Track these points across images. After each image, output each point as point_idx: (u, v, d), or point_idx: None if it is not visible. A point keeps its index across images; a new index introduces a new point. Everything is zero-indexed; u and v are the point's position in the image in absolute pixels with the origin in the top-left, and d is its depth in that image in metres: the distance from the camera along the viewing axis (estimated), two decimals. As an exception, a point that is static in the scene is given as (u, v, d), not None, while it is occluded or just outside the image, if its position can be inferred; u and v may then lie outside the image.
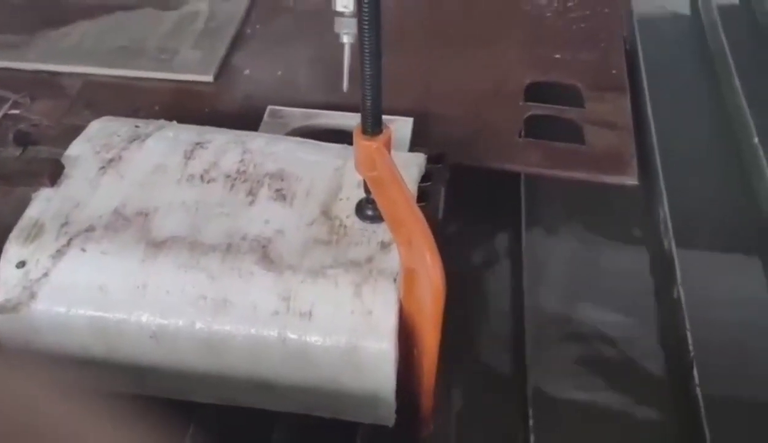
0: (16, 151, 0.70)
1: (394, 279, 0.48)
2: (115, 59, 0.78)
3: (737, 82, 0.79)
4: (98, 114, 0.63)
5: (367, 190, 0.50)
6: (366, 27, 0.40)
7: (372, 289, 0.47)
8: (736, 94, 0.78)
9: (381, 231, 0.50)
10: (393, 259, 0.48)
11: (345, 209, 0.52)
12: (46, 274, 0.48)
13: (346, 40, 0.54)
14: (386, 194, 0.46)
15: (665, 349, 0.58)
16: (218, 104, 0.75)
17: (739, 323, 0.59)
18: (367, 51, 0.41)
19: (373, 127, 0.45)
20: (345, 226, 0.51)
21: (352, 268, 0.48)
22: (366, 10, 0.39)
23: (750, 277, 0.63)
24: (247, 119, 0.70)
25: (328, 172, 0.54)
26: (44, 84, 0.77)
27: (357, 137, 0.46)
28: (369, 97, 0.43)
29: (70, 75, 0.78)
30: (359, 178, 0.53)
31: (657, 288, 0.62)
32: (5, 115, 0.74)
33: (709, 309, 0.59)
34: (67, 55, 0.79)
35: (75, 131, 0.71)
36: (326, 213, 0.52)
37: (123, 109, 0.70)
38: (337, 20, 0.53)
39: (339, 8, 0.52)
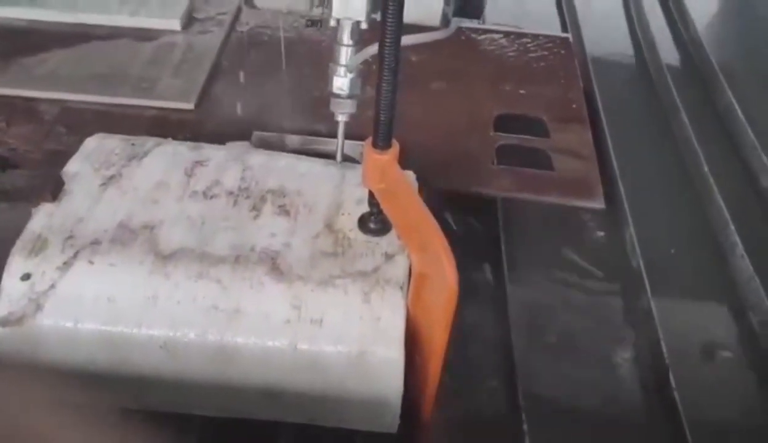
0: (-5, 175, 0.69)
1: (401, 288, 0.50)
2: (93, 86, 0.79)
3: (685, 118, 0.85)
4: (79, 140, 0.63)
5: (370, 204, 0.52)
6: (387, 41, 0.42)
7: (380, 297, 0.49)
8: (684, 128, 0.85)
9: (384, 244, 0.52)
10: (398, 269, 0.51)
11: (347, 223, 0.54)
12: (53, 286, 0.48)
13: (341, 118, 0.57)
14: (396, 204, 0.48)
15: (640, 355, 0.62)
16: (200, 131, 0.76)
17: (705, 326, 0.65)
18: (385, 65, 0.44)
19: (385, 141, 0.47)
20: (349, 239, 0.53)
21: (359, 278, 0.50)
22: (389, 24, 0.42)
23: (705, 283, 0.69)
24: (230, 145, 0.71)
25: (329, 189, 0.56)
26: (20, 109, 0.77)
27: (368, 152, 0.48)
28: (383, 112, 0.46)
29: (47, 101, 0.78)
30: (358, 194, 0.56)
31: (629, 300, 0.66)
32: (-20, 140, 0.73)
33: (677, 317, 0.64)
34: (44, 81, 0.79)
35: (56, 156, 0.71)
36: (330, 227, 0.53)
37: (105, 135, 0.70)
38: (333, 101, 0.56)
39: (335, 90, 0.56)
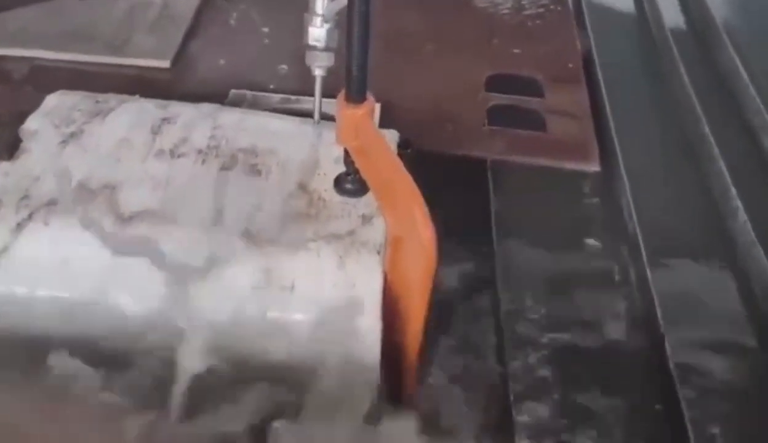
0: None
1: (378, 252, 0.47)
2: (64, 43, 0.75)
3: (685, 79, 0.82)
4: (49, 99, 0.60)
5: (346, 163, 0.49)
6: (357, -17, 0.39)
7: (355, 261, 0.46)
8: (685, 88, 0.81)
9: (361, 205, 0.49)
10: (376, 232, 0.48)
11: (323, 184, 0.51)
12: (5, 249, 0.45)
13: (318, 73, 0.54)
14: (370, 161, 0.45)
15: (635, 323, 0.59)
16: (176, 90, 0.72)
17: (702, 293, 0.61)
18: (356, 10, 0.40)
19: (358, 93, 0.44)
20: (324, 200, 0.50)
21: (334, 241, 0.47)
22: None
23: (706, 249, 0.65)
24: (206, 104, 0.68)
25: (304, 148, 0.53)
26: (-13, 68, 0.73)
27: (341, 106, 0.45)
28: (356, 62, 0.42)
29: (16, 59, 0.74)
30: (336, 154, 0.52)
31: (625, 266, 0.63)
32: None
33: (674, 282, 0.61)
34: (12, 38, 0.75)
35: (24, 116, 0.68)
36: (303, 187, 0.50)
37: (75, 94, 0.67)
38: (310, 54, 0.53)
39: (311, 42, 0.52)
